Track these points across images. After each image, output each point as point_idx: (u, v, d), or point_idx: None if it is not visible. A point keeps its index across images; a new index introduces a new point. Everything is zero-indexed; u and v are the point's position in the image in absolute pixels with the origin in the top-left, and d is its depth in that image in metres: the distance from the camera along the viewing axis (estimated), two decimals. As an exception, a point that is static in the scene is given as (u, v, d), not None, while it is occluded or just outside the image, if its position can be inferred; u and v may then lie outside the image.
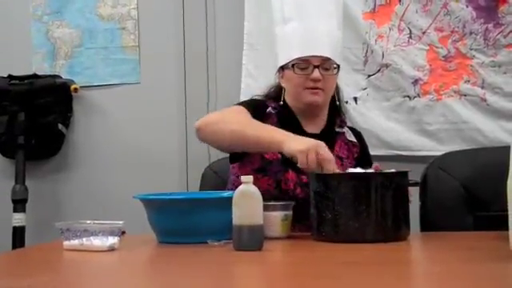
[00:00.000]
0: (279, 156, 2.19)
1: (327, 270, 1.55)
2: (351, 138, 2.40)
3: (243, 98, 2.68)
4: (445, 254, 1.75)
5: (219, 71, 3.39)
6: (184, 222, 1.90)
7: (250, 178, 1.81)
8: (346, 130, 2.42)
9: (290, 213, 2.02)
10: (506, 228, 1.61)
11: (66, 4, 3.57)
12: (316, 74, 2.25)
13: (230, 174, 2.38)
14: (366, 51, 3.16)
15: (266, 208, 1.84)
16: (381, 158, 3.07)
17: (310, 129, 2.33)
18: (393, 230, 1.90)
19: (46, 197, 3.55)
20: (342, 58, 3.12)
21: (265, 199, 1.82)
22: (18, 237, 3.30)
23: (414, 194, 2.08)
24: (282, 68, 2.34)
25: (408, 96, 3.12)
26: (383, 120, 3.15)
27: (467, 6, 3.06)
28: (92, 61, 3.55)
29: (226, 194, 2.06)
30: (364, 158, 2.39)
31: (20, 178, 3.38)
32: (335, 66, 2.29)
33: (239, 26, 3.29)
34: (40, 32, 3.60)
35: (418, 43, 3.11)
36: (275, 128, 2.16)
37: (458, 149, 2.85)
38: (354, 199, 1.88)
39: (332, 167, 1.97)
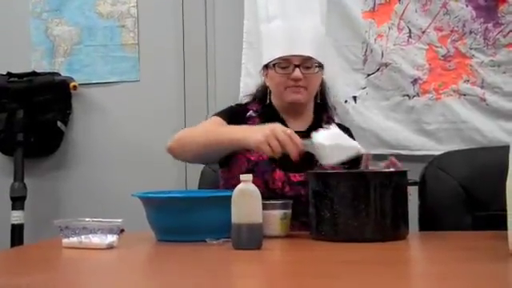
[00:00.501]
0: (265, 157, 2.20)
1: (326, 269, 1.55)
2: None
3: (242, 96, 2.68)
4: (443, 253, 1.75)
5: (218, 69, 3.39)
6: (183, 220, 1.91)
7: (250, 176, 1.81)
8: (333, 126, 2.41)
9: (289, 212, 2.02)
10: (505, 228, 1.61)
11: (66, 1, 3.57)
12: (296, 73, 2.26)
13: (220, 178, 2.39)
14: (366, 50, 3.16)
15: (265, 207, 1.84)
16: (380, 158, 3.07)
17: (295, 127, 2.34)
18: (392, 229, 1.90)
19: (44, 194, 3.55)
20: (342, 57, 3.17)
21: None
22: (17, 235, 3.30)
23: (412, 193, 2.08)
24: (266, 67, 2.36)
25: (407, 95, 3.12)
26: (382, 119, 3.15)
27: (467, 6, 3.06)
28: (91, 58, 3.55)
29: (225, 192, 2.06)
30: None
31: (19, 176, 3.38)
32: (317, 64, 2.30)
33: (238, 24, 3.29)
34: (39, 29, 3.60)
35: (418, 42, 3.11)
36: (234, 127, 2.18)
37: (457, 148, 2.85)
38: (353, 198, 1.88)
39: (294, 148, 1.98)
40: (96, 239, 1.82)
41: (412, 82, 3.11)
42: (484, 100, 3.05)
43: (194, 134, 2.24)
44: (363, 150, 2.03)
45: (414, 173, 2.20)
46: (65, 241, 1.85)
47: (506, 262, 1.56)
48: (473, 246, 1.83)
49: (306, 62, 2.27)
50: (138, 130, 3.48)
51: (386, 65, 3.13)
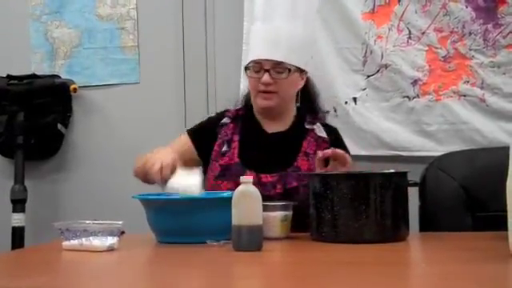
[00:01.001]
0: (237, 160, 2.26)
1: (326, 271, 1.55)
2: (321, 133, 2.41)
3: (242, 98, 2.69)
4: (444, 254, 1.76)
5: (218, 71, 3.39)
6: (183, 222, 1.91)
7: (250, 178, 1.81)
8: (317, 126, 2.43)
9: (290, 213, 2.02)
10: (505, 228, 1.61)
11: (65, 4, 3.57)
12: (265, 78, 2.29)
13: None
14: (365, 51, 3.16)
15: (265, 208, 1.84)
16: (380, 159, 3.08)
17: (272, 128, 2.40)
18: (392, 230, 1.90)
19: (45, 197, 3.55)
20: (342, 59, 3.17)
21: None
22: (18, 237, 3.30)
23: (413, 194, 2.09)
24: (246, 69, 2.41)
25: (407, 96, 3.12)
26: (382, 120, 3.15)
27: (466, 7, 3.06)
28: (91, 61, 3.55)
29: (225, 194, 2.07)
30: None
31: (19, 178, 3.38)
32: (289, 69, 2.30)
33: (238, 25, 3.29)
34: (39, 32, 3.60)
35: (418, 44, 3.11)
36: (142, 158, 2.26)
37: (457, 149, 2.84)
38: (353, 199, 1.88)
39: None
40: (96, 241, 1.82)
41: (412, 83, 3.11)
42: (484, 101, 3.05)
43: (137, 163, 2.35)
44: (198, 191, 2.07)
45: (415, 174, 2.20)
46: (65, 243, 1.85)
47: (506, 263, 1.56)
48: (473, 246, 1.83)
49: (276, 67, 2.29)
50: (138, 132, 3.48)
51: (386, 66, 3.13)
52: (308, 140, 2.36)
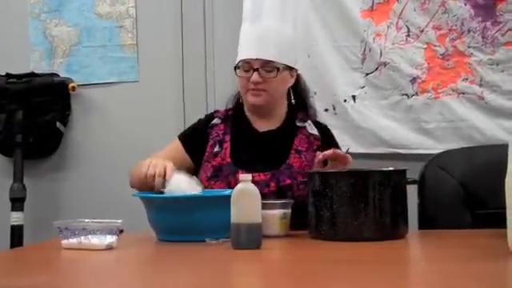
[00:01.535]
0: (229, 160, 2.29)
1: (325, 269, 1.55)
2: (313, 131, 2.42)
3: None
4: (443, 252, 1.76)
5: (217, 69, 3.39)
6: (183, 220, 1.91)
7: (249, 176, 1.81)
8: (308, 123, 2.43)
9: (289, 211, 2.02)
10: (504, 226, 1.61)
11: (64, 2, 3.57)
12: (254, 77, 2.32)
13: None
14: (364, 49, 3.16)
15: (264, 206, 1.85)
16: (379, 156, 3.08)
17: (262, 127, 2.41)
18: (391, 227, 1.90)
19: (44, 195, 3.55)
20: (341, 57, 3.17)
21: None
22: (17, 236, 3.30)
23: (412, 192, 2.09)
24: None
25: (406, 94, 3.12)
26: (381, 118, 3.15)
27: (465, 4, 3.06)
28: (90, 59, 3.55)
29: (224, 192, 2.06)
30: (328, 149, 2.39)
31: (18, 177, 3.38)
32: (278, 67, 2.32)
33: (237, 24, 3.27)
34: (38, 30, 3.60)
35: (416, 41, 3.11)
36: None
37: (455, 147, 2.85)
38: (352, 197, 1.88)
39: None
40: (95, 240, 1.82)
41: (411, 81, 3.11)
42: (483, 98, 3.05)
43: (132, 173, 2.34)
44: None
45: (413, 171, 2.20)
46: (64, 242, 1.85)
47: (505, 261, 1.57)
48: (472, 244, 1.83)
49: (266, 66, 2.31)
50: (137, 130, 3.48)
51: (385, 64, 3.13)
52: (299, 137, 2.37)
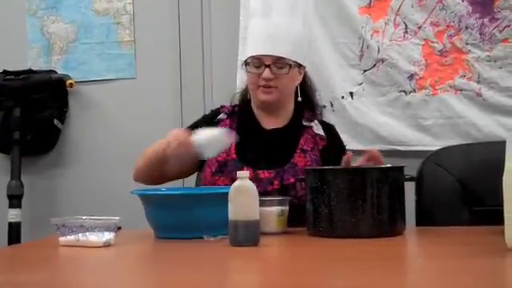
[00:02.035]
0: (234, 156, 2.26)
1: (323, 266, 1.55)
2: (319, 131, 2.41)
3: (238, 94, 2.69)
4: (440, 248, 1.76)
5: (214, 66, 3.39)
6: (181, 217, 1.91)
7: (246, 173, 1.81)
8: (315, 123, 2.43)
9: (286, 208, 2.02)
10: (502, 223, 1.61)
11: (61, -1, 3.57)
12: (266, 73, 2.29)
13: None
14: (362, 46, 3.16)
15: (261, 203, 1.84)
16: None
17: (269, 125, 2.39)
18: (389, 224, 1.90)
19: (41, 192, 3.55)
20: (339, 54, 3.17)
21: None
22: (14, 233, 3.30)
23: (409, 189, 2.09)
24: (244, 64, 2.39)
25: (404, 91, 3.12)
26: (379, 115, 3.15)
27: (463, 1, 3.06)
28: (87, 56, 3.54)
29: (222, 189, 2.06)
30: (333, 150, 2.39)
31: (15, 174, 3.38)
32: (290, 64, 2.30)
33: (234, 20, 3.28)
34: (35, 27, 3.60)
35: (414, 38, 3.11)
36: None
37: (453, 144, 2.85)
38: (349, 194, 1.88)
39: (174, 140, 2.12)
40: (93, 237, 1.81)
41: (408, 78, 3.11)
42: (480, 95, 3.05)
43: (143, 156, 2.36)
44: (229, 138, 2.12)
45: (411, 168, 2.20)
46: (62, 239, 1.85)
47: (503, 257, 1.57)
48: (470, 241, 1.83)
49: (277, 62, 2.29)
50: (134, 126, 3.48)
51: (383, 60, 3.13)
52: (305, 137, 2.35)
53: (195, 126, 2.41)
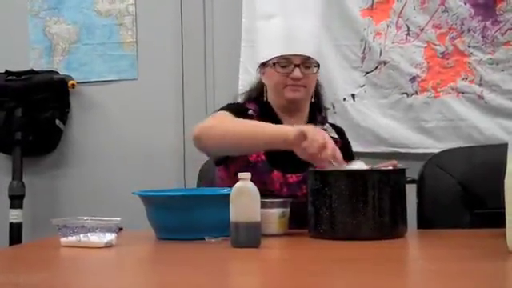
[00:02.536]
0: (264, 158, 2.22)
1: (324, 268, 1.55)
2: (333, 134, 2.40)
3: (238, 97, 2.67)
4: (442, 251, 1.76)
5: (217, 67, 3.39)
6: (182, 218, 1.91)
7: (248, 174, 1.81)
8: (327, 126, 2.42)
9: (288, 210, 2.02)
10: (504, 225, 1.61)
11: (64, 0, 3.56)
12: (296, 73, 2.26)
13: (216, 176, 2.39)
14: (364, 48, 3.16)
15: (263, 205, 1.84)
16: (378, 156, 3.08)
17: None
18: (390, 227, 1.90)
19: (43, 193, 3.55)
20: (341, 56, 3.17)
21: None
22: (15, 233, 3.30)
23: (411, 191, 2.08)
24: (264, 65, 2.35)
25: (405, 93, 3.12)
26: (380, 117, 3.15)
27: (465, 3, 3.06)
28: (89, 57, 3.54)
29: (224, 190, 2.06)
30: (346, 155, 2.39)
31: (17, 174, 3.38)
32: (315, 64, 2.30)
33: (237, 22, 3.29)
34: (37, 28, 3.60)
35: (416, 40, 3.11)
36: (269, 124, 2.13)
37: (455, 146, 2.85)
38: (351, 196, 1.88)
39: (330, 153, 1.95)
40: (94, 238, 1.81)
41: (410, 80, 3.11)
42: (482, 98, 3.05)
43: (226, 127, 2.16)
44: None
45: (413, 171, 2.20)
46: (63, 239, 1.85)
47: (504, 260, 1.56)
48: (471, 243, 1.83)
49: (305, 62, 2.28)
50: (136, 128, 3.48)
51: (385, 63, 3.13)
52: None
53: (238, 112, 2.27)
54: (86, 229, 1.82)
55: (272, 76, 2.32)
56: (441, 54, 3.09)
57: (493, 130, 3.02)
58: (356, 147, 3.00)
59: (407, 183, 1.98)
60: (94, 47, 3.54)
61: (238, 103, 2.43)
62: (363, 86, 3.17)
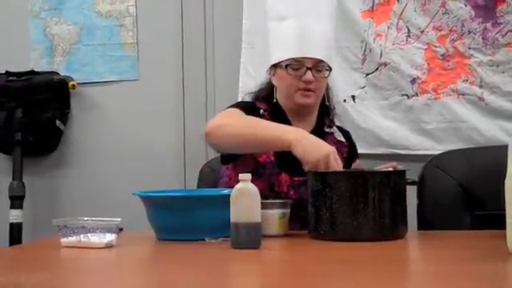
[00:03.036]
0: (273, 159, 2.21)
1: (324, 269, 1.55)
2: (340, 137, 2.40)
3: (241, 96, 2.67)
4: (442, 252, 1.75)
5: (217, 69, 3.39)
6: (182, 219, 1.91)
7: (248, 175, 1.81)
8: (334, 129, 2.42)
9: (288, 211, 2.02)
10: (504, 227, 1.61)
11: (64, 0, 3.57)
12: (308, 76, 2.24)
13: (223, 175, 2.37)
14: (365, 50, 3.16)
15: (263, 206, 1.84)
16: (378, 157, 3.08)
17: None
18: (390, 228, 1.90)
19: (43, 193, 3.55)
20: (341, 57, 3.17)
21: None
22: (15, 233, 3.30)
23: (411, 193, 2.08)
24: (274, 66, 2.34)
25: (406, 95, 3.13)
26: (381, 119, 3.15)
27: (466, 5, 3.06)
28: (90, 57, 3.55)
29: (224, 191, 2.06)
30: (352, 158, 2.39)
31: (17, 175, 3.38)
32: (327, 68, 2.29)
33: (237, 23, 3.29)
34: (38, 28, 3.60)
35: (417, 42, 3.11)
36: (280, 125, 2.12)
37: (455, 148, 2.85)
38: (351, 197, 1.88)
39: None
40: (94, 238, 1.81)
41: (411, 82, 3.11)
42: (482, 99, 3.05)
43: (239, 125, 2.16)
44: None
45: (413, 172, 2.20)
46: (63, 240, 1.85)
47: (504, 262, 1.56)
48: (471, 245, 1.83)
49: (317, 65, 2.26)
50: (136, 129, 3.48)
51: (385, 64, 3.13)
52: (328, 144, 2.31)
53: (244, 108, 2.26)
54: (86, 229, 1.82)
55: (284, 78, 2.30)
56: (441, 55, 3.09)
57: (493, 131, 3.02)
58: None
59: (407, 184, 1.98)
60: (94, 48, 3.54)
61: (248, 102, 2.41)
62: (364, 87, 3.17)
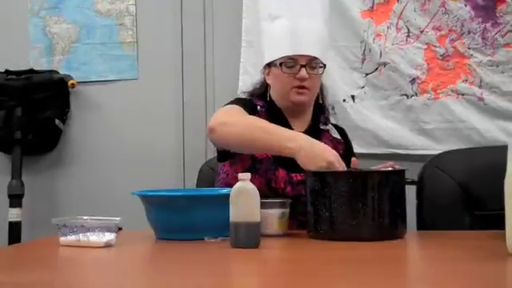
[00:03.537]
0: (270, 155, 2.21)
1: (324, 268, 1.55)
2: (336, 135, 2.40)
3: (241, 95, 2.67)
4: (441, 252, 1.75)
5: (217, 68, 3.39)
6: (182, 218, 1.90)
7: (248, 175, 1.81)
8: (330, 127, 2.42)
9: (287, 210, 2.02)
10: (503, 227, 1.61)
11: (64, -1, 3.57)
12: (303, 73, 2.25)
13: (220, 172, 2.37)
14: (364, 49, 3.16)
15: (262, 205, 1.84)
16: (378, 157, 3.08)
17: (296, 126, 2.34)
18: (390, 228, 1.90)
19: (42, 192, 3.55)
20: (341, 57, 3.17)
21: None
22: (14, 232, 3.30)
23: (410, 192, 2.08)
24: (269, 65, 2.34)
25: (405, 95, 3.13)
26: (380, 118, 3.15)
27: (465, 5, 3.06)
28: (89, 56, 3.55)
29: (224, 191, 2.06)
30: (348, 155, 2.39)
31: (16, 174, 3.38)
32: (321, 65, 2.30)
33: (237, 22, 3.29)
34: (37, 27, 3.60)
35: (416, 42, 3.11)
36: (283, 130, 2.11)
37: (454, 148, 2.85)
38: (351, 197, 1.88)
39: None
40: (94, 237, 1.81)
41: (410, 82, 3.11)
42: (482, 100, 3.05)
43: (242, 125, 2.15)
44: None
45: (412, 172, 2.20)
46: (62, 239, 1.85)
47: (504, 262, 1.56)
48: (471, 245, 1.83)
49: (311, 62, 2.27)
50: (136, 127, 3.48)
51: (385, 64, 3.13)
52: (324, 141, 2.31)
53: (247, 106, 2.26)
54: (85, 228, 1.82)
55: (278, 77, 2.31)
56: (441, 55, 3.09)
57: (493, 131, 3.02)
58: (356, 148, 2.99)
59: (407, 184, 1.98)
60: (94, 47, 3.54)
61: (246, 98, 2.41)
62: (363, 87, 3.17)
